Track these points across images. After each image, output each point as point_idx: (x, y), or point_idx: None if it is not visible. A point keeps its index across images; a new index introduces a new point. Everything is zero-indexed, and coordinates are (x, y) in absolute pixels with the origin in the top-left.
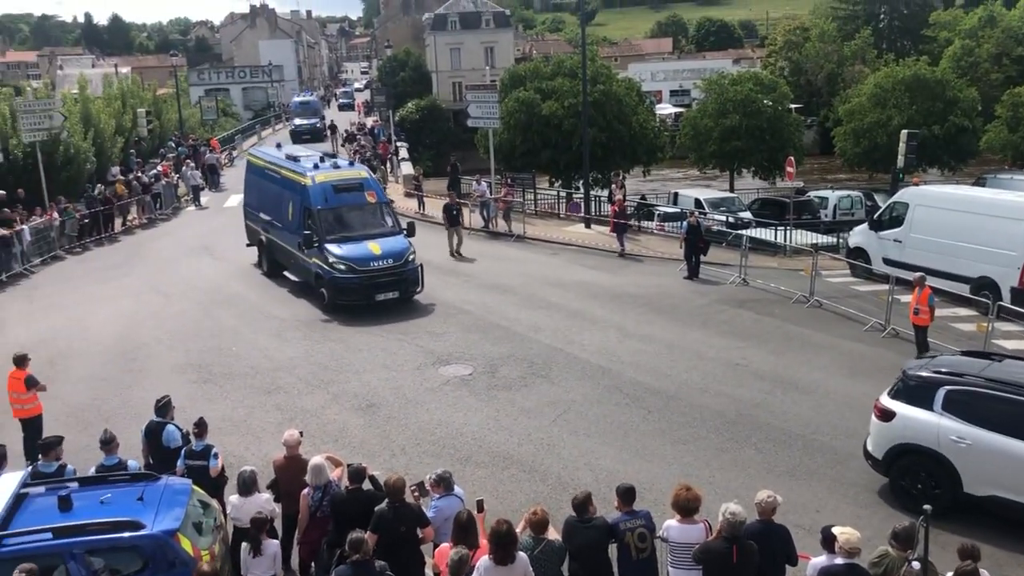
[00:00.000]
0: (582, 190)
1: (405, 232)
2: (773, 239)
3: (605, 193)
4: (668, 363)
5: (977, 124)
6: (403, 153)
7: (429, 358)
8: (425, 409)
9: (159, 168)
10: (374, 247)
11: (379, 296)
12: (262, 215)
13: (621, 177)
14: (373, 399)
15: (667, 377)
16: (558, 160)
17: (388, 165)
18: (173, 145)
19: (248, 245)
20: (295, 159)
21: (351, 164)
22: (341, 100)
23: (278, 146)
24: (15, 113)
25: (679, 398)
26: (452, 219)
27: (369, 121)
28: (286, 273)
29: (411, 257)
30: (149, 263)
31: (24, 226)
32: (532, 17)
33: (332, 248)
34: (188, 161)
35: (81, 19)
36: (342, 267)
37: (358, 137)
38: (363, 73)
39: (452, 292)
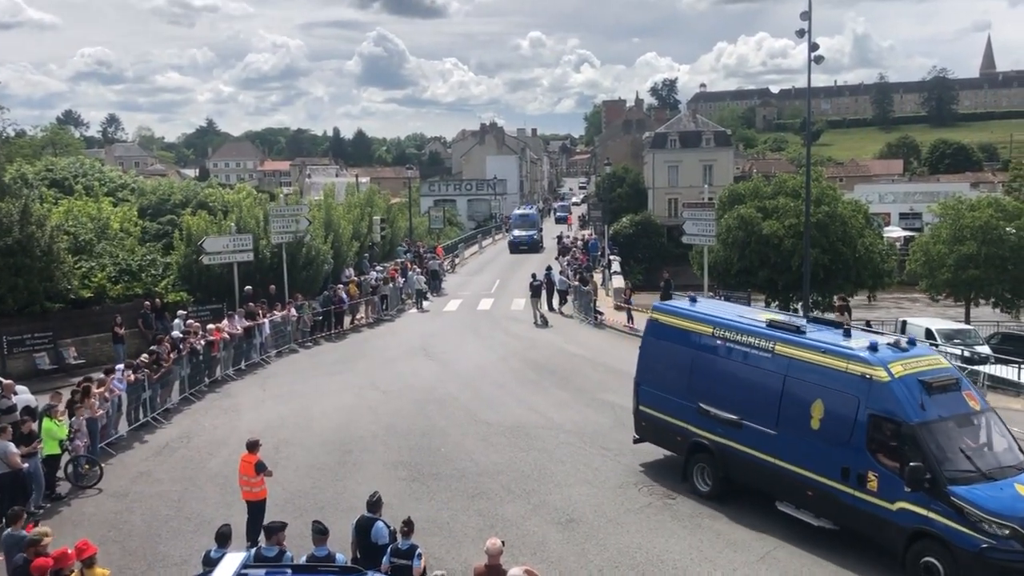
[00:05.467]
0: (801, 312)
1: None
2: (1017, 378)
3: (828, 317)
4: None
5: None
6: (615, 266)
7: (632, 477)
8: (626, 530)
9: (387, 271)
10: None
11: None
12: (705, 407)
13: (846, 302)
14: (573, 514)
15: None
16: (776, 280)
17: (602, 277)
18: (403, 251)
19: (639, 440)
20: (796, 329)
21: (912, 342)
22: (558, 214)
23: (692, 299)
24: (268, 217)
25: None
26: None
27: (584, 234)
28: (782, 507)
29: None
30: (371, 360)
31: (265, 319)
32: (753, 136)
33: (969, 495)
34: (414, 266)
35: (330, 133)
36: (1001, 531)
37: (572, 250)
38: (581, 188)
39: None
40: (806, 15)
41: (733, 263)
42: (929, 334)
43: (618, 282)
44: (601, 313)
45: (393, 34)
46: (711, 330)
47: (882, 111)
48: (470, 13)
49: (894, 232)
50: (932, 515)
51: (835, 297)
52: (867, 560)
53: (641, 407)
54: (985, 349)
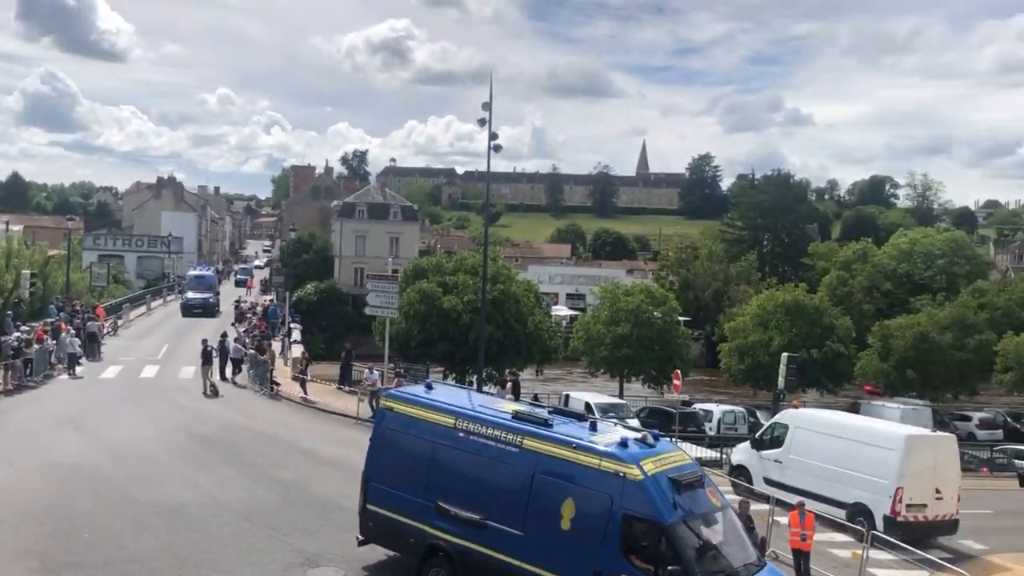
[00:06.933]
0: (476, 384)
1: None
2: None
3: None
4: None
5: (851, 351)
6: (295, 335)
7: (298, 558)
8: None
9: (34, 332)
10: None
11: None
12: (444, 505)
13: (517, 376)
14: None
15: None
16: (454, 353)
17: (281, 345)
18: (55, 309)
19: (364, 542)
20: (543, 422)
21: (655, 436)
22: (238, 276)
23: (428, 386)
24: None
25: None
26: None
27: (265, 299)
28: None
29: None
30: (6, 434)
31: None
32: (439, 213)
33: None
34: (68, 327)
35: None
36: None
37: (249, 316)
38: (265, 251)
39: (330, 485)
40: (487, 105)
41: (414, 335)
42: (588, 407)
43: (297, 351)
44: (278, 384)
45: (64, 73)
46: (453, 421)
47: (554, 199)
48: (154, 61)
49: (561, 311)
50: None
51: (506, 371)
52: None
53: (369, 506)
54: (635, 423)
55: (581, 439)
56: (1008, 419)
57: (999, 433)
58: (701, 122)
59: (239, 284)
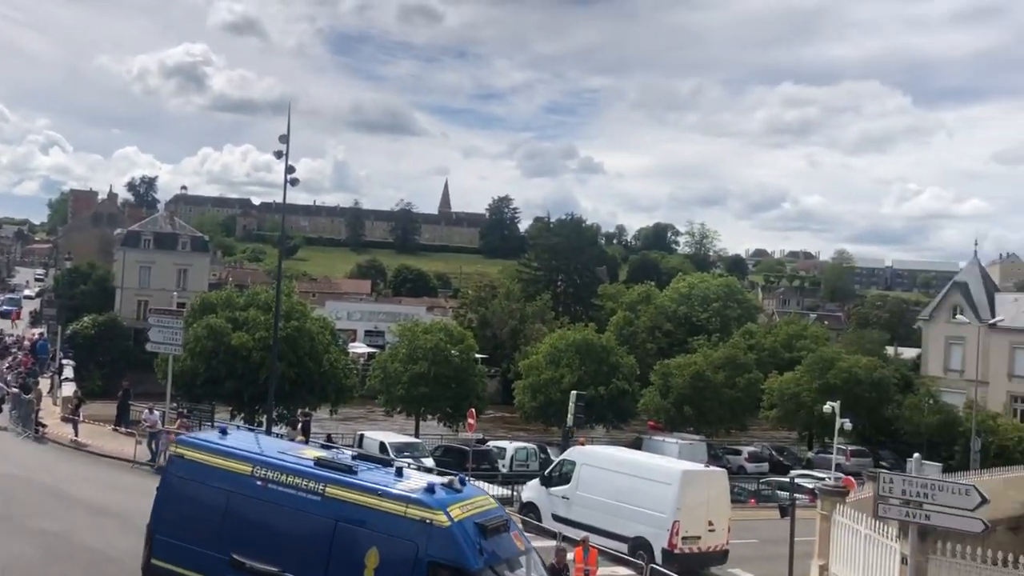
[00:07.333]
0: (265, 425)
1: None
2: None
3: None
4: None
5: (635, 388)
6: (68, 372)
7: None
8: None
9: None
10: None
11: None
12: (239, 558)
13: (309, 417)
14: None
15: None
16: (242, 392)
17: (51, 383)
18: None
19: None
20: (347, 469)
21: (462, 481)
22: (4, 307)
23: (223, 431)
24: None
25: None
26: None
27: (34, 333)
28: None
29: None
30: None
31: None
32: (233, 245)
33: None
34: None
35: None
36: None
37: (14, 351)
38: (37, 280)
39: (101, 536)
40: (284, 137)
41: (200, 373)
42: (383, 447)
43: (68, 390)
44: (44, 425)
45: None
46: (250, 469)
47: (355, 234)
48: None
49: (359, 348)
50: None
51: (299, 412)
52: None
53: (154, 560)
54: (430, 461)
55: (387, 486)
56: (773, 452)
57: (765, 466)
58: (501, 165)
59: (4, 315)
